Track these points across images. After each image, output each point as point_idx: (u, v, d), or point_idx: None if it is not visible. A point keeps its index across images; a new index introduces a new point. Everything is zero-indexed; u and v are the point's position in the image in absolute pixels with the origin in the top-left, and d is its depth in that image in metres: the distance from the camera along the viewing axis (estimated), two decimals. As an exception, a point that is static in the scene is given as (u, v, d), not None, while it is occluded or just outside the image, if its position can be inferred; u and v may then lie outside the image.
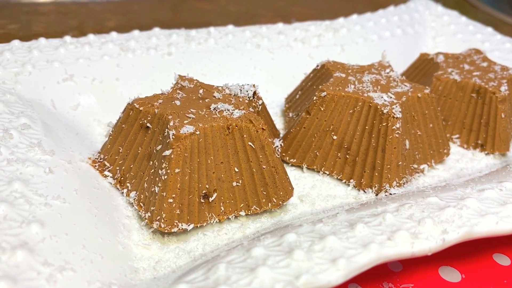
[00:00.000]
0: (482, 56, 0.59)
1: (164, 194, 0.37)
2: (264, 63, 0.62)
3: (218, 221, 0.40)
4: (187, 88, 0.44)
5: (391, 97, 0.45)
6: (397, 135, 0.44)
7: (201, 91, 0.44)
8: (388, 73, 0.50)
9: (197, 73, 0.58)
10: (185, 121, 0.38)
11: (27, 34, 0.73)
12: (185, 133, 0.37)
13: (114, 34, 0.58)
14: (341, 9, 1.01)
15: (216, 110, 0.40)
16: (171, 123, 0.38)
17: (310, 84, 0.53)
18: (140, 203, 0.39)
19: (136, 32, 0.60)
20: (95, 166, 0.43)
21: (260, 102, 0.46)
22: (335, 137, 0.46)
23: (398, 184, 0.44)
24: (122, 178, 0.42)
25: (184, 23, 0.86)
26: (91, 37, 0.57)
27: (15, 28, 0.75)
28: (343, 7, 1.01)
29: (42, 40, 0.54)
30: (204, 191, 0.39)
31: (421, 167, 0.48)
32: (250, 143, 0.39)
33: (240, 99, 0.43)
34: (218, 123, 0.39)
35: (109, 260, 0.33)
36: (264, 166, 0.40)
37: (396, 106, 0.44)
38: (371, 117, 0.45)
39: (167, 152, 0.37)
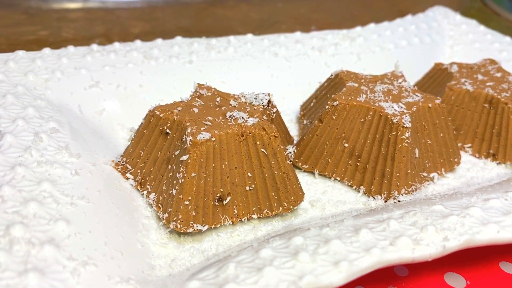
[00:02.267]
0: (496, 66, 0.60)
1: (181, 196, 0.39)
2: (281, 71, 0.64)
3: (231, 223, 0.42)
4: (205, 96, 0.46)
5: (401, 107, 0.47)
6: (406, 144, 0.45)
7: (218, 99, 0.46)
8: (400, 83, 0.51)
9: (216, 81, 0.60)
10: (202, 128, 0.41)
11: (57, 40, 0.77)
12: (201, 140, 0.39)
13: (138, 42, 0.61)
14: (361, 17, 1.02)
15: (232, 118, 0.42)
16: (189, 130, 0.40)
17: (324, 92, 0.54)
18: (159, 204, 0.42)
19: (159, 41, 0.63)
20: (118, 168, 0.45)
21: (275, 110, 0.48)
22: (346, 145, 0.48)
23: (406, 192, 0.46)
24: (142, 181, 0.44)
25: (206, 30, 0.89)
26: (116, 45, 0.60)
27: (46, 34, 0.79)
28: (363, 15, 1.02)
29: (71, 48, 0.57)
30: (218, 195, 0.41)
31: (431, 175, 0.49)
32: (263, 150, 0.41)
33: (255, 107, 0.45)
34: (233, 130, 0.41)
35: (128, 257, 0.35)
36: (276, 172, 0.42)
37: (406, 116, 0.45)
38: (381, 126, 0.46)
39: (184, 157, 0.39)
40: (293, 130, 0.57)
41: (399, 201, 0.45)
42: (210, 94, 0.47)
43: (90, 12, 0.91)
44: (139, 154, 0.45)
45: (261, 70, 0.63)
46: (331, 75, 0.55)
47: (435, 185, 0.50)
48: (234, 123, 0.42)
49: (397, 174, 0.45)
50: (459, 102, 0.55)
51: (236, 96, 0.47)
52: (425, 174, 0.49)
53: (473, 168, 0.53)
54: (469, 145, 0.55)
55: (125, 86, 0.56)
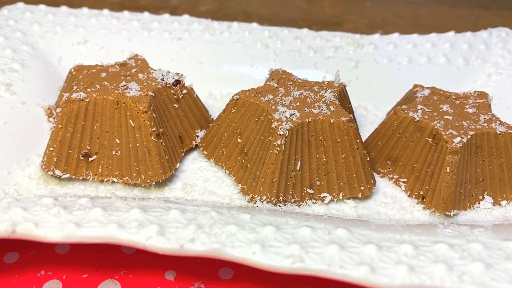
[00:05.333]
0: (481, 101, 0.50)
1: (49, 143, 0.45)
2: (263, 64, 0.64)
3: (94, 180, 0.46)
4: (127, 66, 0.51)
5: (294, 115, 0.44)
6: (276, 152, 0.43)
7: (134, 70, 0.50)
8: (324, 93, 0.48)
9: (194, 60, 0.64)
10: (89, 89, 0.46)
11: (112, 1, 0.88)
12: (74, 98, 0.44)
13: (146, 14, 0.68)
14: (442, 25, 0.92)
15: (122, 87, 0.46)
16: (75, 88, 0.46)
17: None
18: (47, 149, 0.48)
19: (166, 15, 0.68)
20: (47, 112, 0.53)
21: (185, 91, 0.50)
22: (239, 141, 0.48)
23: (268, 200, 0.44)
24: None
25: (279, 19, 0.91)
26: (125, 13, 0.67)
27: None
28: (440, 25, 0.92)
29: (84, 10, 0.66)
30: (85, 151, 0.46)
31: (322, 195, 0.46)
32: (130, 121, 0.45)
33: (153, 83, 0.48)
34: (111, 96, 0.45)
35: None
36: (138, 145, 0.45)
37: (286, 124, 0.43)
38: (267, 129, 0.45)
39: (58, 110, 0.45)
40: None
41: (257, 206, 0.44)
42: (134, 64, 0.51)
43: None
44: (59, 101, 0.52)
45: (243, 59, 0.64)
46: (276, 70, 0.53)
47: (322, 206, 0.46)
48: (119, 91, 0.46)
49: (263, 179, 0.44)
50: (403, 129, 0.49)
51: (150, 70, 0.50)
52: (310, 190, 0.45)
53: (391, 205, 0.47)
54: (405, 180, 0.49)
55: (109, 49, 0.63)
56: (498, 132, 0.46)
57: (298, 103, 0.46)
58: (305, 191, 0.45)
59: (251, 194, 0.45)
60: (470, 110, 0.49)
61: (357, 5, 1.06)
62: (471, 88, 0.64)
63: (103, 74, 0.49)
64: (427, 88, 0.52)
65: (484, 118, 0.47)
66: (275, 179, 0.44)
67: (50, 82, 0.57)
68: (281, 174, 0.44)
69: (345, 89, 0.51)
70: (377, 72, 0.63)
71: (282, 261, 0.32)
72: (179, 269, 0.41)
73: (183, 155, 0.50)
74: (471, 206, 0.47)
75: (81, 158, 0.46)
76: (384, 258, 0.33)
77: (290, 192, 0.45)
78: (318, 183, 0.46)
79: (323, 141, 0.45)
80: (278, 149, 0.43)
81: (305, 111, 0.45)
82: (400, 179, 0.49)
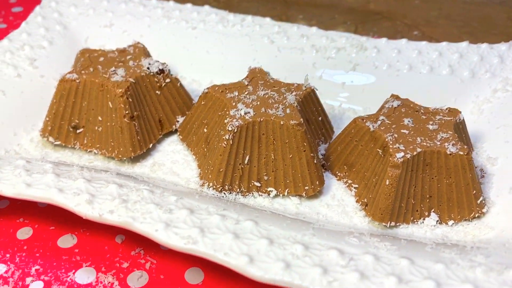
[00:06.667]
0: (448, 119, 0.50)
1: (46, 113, 0.54)
2: (265, 58, 0.67)
3: (81, 149, 0.54)
4: (126, 52, 0.58)
5: (248, 113, 0.48)
6: (224, 145, 0.48)
7: (128, 57, 0.57)
8: (289, 95, 0.51)
9: (202, 50, 0.69)
10: (82, 71, 0.53)
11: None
12: (67, 78, 0.52)
13: (171, 3, 0.74)
14: (489, 30, 0.89)
15: (111, 72, 0.53)
16: (71, 69, 0.54)
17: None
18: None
19: (189, 5, 0.74)
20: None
21: (168, 80, 0.56)
22: (205, 130, 0.53)
23: (214, 187, 0.49)
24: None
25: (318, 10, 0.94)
26: (153, 1, 0.74)
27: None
28: (495, 28, 0.88)
29: (116, -5, 0.74)
30: (73, 124, 0.54)
31: (268, 189, 0.50)
32: (109, 103, 0.51)
33: (138, 71, 0.54)
34: (98, 80, 0.52)
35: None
36: (114, 124, 0.52)
37: (237, 121, 0.47)
38: (223, 123, 0.49)
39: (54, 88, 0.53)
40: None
41: (202, 191, 0.49)
42: (131, 52, 0.58)
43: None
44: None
45: (247, 52, 0.68)
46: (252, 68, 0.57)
47: (267, 199, 0.50)
48: (106, 76, 0.53)
49: (211, 168, 0.49)
50: (359, 138, 0.50)
51: (142, 59, 0.56)
52: (258, 184, 0.49)
53: (334, 207, 0.50)
54: (356, 185, 0.51)
55: (130, 33, 0.70)
56: (449, 153, 0.46)
57: (258, 103, 0.50)
58: (253, 184, 0.49)
59: (202, 180, 0.50)
60: (431, 127, 0.49)
61: (406, 2, 1.03)
62: (473, 102, 0.63)
63: (101, 59, 0.56)
64: (398, 99, 0.53)
65: (442, 137, 0.48)
66: (221, 169, 0.48)
67: (72, 59, 0.65)
68: (228, 165, 0.48)
69: (314, 93, 0.54)
70: (374, 77, 0.64)
71: (177, 241, 0.37)
72: (128, 234, 0.47)
73: (160, 136, 0.56)
74: (415, 221, 0.48)
75: (71, 129, 0.54)
76: (270, 253, 0.37)
77: (237, 183, 0.49)
78: (265, 177, 0.49)
79: (273, 140, 0.48)
80: (226, 143, 0.47)
81: (261, 111, 0.49)
82: (352, 184, 0.51)
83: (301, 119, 0.48)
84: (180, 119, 0.57)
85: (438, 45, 0.66)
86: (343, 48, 0.66)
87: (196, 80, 0.67)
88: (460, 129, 0.51)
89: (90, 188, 0.42)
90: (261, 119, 0.48)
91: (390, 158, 0.46)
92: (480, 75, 0.63)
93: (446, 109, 0.52)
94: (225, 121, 0.48)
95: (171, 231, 0.38)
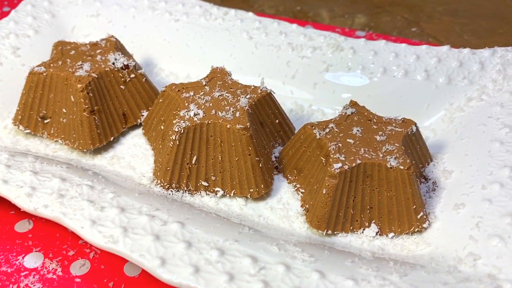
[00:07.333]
0: (399, 130, 0.50)
1: (18, 104, 0.57)
2: (242, 54, 0.68)
3: (48, 138, 0.57)
4: (97, 45, 0.60)
5: (197, 114, 0.50)
6: (171, 145, 0.49)
7: (98, 51, 0.59)
8: (243, 98, 0.52)
9: (182, 44, 0.70)
10: (51, 64, 0.56)
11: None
12: (35, 71, 0.55)
13: (164, -5, 0.75)
14: (496, 29, 0.85)
15: (77, 66, 0.56)
16: (40, 62, 0.56)
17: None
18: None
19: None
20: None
21: (132, 75, 0.57)
22: (162, 127, 0.54)
23: (162, 185, 0.51)
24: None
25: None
26: (142, -9, 0.75)
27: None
28: (502, 25, 0.85)
29: (108, -15, 0.76)
30: (41, 114, 0.56)
31: (216, 189, 0.51)
32: (71, 96, 0.54)
33: (103, 66, 0.56)
34: (63, 73, 0.54)
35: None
36: (75, 117, 0.54)
37: (184, 122, 0.49)
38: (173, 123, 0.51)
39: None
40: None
41: (150, 187, 0.51)
42: (103, 45, 0.60)
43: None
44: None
45: (224, 47, 0.68)
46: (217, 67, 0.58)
47: (213, 199, 0.51)
48: (70, 70, 0.55)
49: (159, 165, 0.51)
50: (307, 144, 0.51)
51: (112, 54, 0.58)
52: (205, 183, 0.51)
53: (277, 211, 0.51)
54: (303, 190, 0.52)
55: (115, 23, 0.72)
56: (389, 166, 0.46)
57: (211, 104, 0.51)
58: (200, 183, 0.51)
59: (153, 177, 0.52)
60: (379, 138, 0.49)
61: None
62: (445, 110, 0.61)
63: (72, 52, 0.58)
64: (354, 106, 0.53)
65: (387, 149, 0.48)
66: (168, 168, 0.50)
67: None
68: (175, 164, 0.50)
69: (270, 96, 0.54)
70: (345, 79, 0.64)
71: (99, 239, 0.40)
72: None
73: (125, 129, 0.58)
74: (355, 230, 0.49)
75: (39, 119, 0.57)
76: (184, 257, 0.39)
77: (185, 182, 0.51)
78: (213, 178, 0.51)
79: (220, 143, 0.50)
80: (172, 143, 0.49)
81: (211, 113, 0.50)
82: (300, 189, 0.52)
83: (248, 124, 0.49)
84: (145, 114, 0.59)
85: (417, 48, 0.65)
86: (319, 48, 0.66)
87: (173, 73, 0.69)
88: (412, 141, 0.51)
89: (35, 181, 0.45)
90: (209, 122, 0.49)
91: (328, 168, 0.46)
92: (457, 82, 0.62)
93: (401, 119, 0.51)
94: (174, 121, 0.49)
95: (95, 229, 0.40)
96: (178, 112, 0.51)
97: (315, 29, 0.69)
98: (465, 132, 0.56)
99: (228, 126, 0.49)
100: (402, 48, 0.65)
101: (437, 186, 0.52)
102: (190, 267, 0.38)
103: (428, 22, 0.90)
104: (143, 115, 0.59)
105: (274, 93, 0.54)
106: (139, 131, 0.60)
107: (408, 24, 0.89)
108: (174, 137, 0.49)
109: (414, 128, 0.50)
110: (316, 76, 0.65)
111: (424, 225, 0.47)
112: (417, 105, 0.62)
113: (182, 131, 0.48)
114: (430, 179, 0.52)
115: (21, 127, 0.57)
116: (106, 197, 0.44)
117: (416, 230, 0.48)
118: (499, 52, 0.63)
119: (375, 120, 0.51)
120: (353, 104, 0.53)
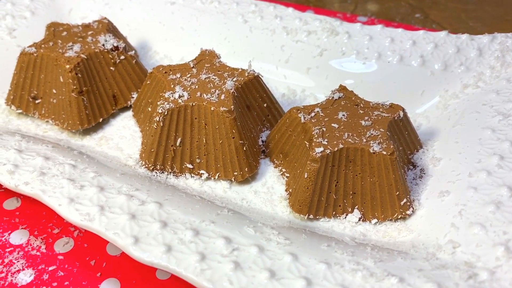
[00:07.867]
0: (385, 116, 0.49)
1: (10, 84, 0.57)
2: (237, 38, 0.67)
3: (40, 118, 0.58)
4: (90, 27, 0.60)
5: (181, 95, 0.50)
6: (154, 126, 0.49)
7: (90, 32, 0.59)
8: (229, 80, 0.51)
9: (177, 26, 0.70)
10: (43, 45, 0.56)
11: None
12: (26, 51, 0.55)
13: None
14: (504, 16, 0.83)
15: (68, 48, 0.56)
16: (32, 43, 0.57)
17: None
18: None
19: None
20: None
21: (122, 57, 0.57)
22: (149, 109, 0.54)
23: (146, 166, 0.51)
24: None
25: None
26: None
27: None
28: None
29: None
30: (33, 94, 0.57)
31: (200, 171, 0.51)
32: (60, 77, 0.54)
33: (93, 47, 0.56)
34: (53, 54, 0.55)
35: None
36: (64, 97, 0.54)
37: (168, 104, 0.49)
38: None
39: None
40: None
41: (135, 169, 0.51)
42: (95, 27, 0.60)
43: None
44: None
45: (219, 31, 0.68)
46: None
47: (198, 181, 0.51)
48: (60, 51, 0.55)
49: (145, 147, 0.51)
50: (293, 128, 0.50)
51: (103, 35, 0.58)
52: (190, 166, 0.51)
53: (261, 194, 0.50)
54: (288, 175, 0.51)
55: (111, 6, 0.72)
56: (372, 151, 0.45)
57: (197, 86, 0.51)
58: (185, 165, 0.51)
59: (138, 158, 0.52)
60: (364, 123, 0.48)
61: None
62: (440, 97, 0.60)
63: (64, 33, 0.58)
64: (342, 91, 0.52)
65: (371, 134, 0.47)
66: (153, 150, 0.50)
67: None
68: (160, 146, 0.50)
69: (258, 79, 0.53)
70: (339, 64, 0.63)
71: (76, 217, 0.40)
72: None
73: (115, 111, 0.59)
74: (338, 215, 0.48)
75: (30, 99, 0.57)
76: (158, 237, 0.39)
77: (169, 164, 0.51)
78: (198, 160, 0.51)
79: (204, 125, 0.49)
80: (156, 125, 0.49)
81: (197, 95, 0.50)
82: (285, 173, 0.52)
83: (232, 107, 0.49)
84: (136, 96, 0.59)
85: (414, 33, 0.63)
86: (314, 32, 0.65)
87: (168, 56, 0.69)
88: (399, 127, 0.50)
89: (18, 159, 0.45)
90: (194, 104, 0.49)
91: (310, 152, 0.46)
92: (453, 68, 0.60)
93: (388, 105, 0.50)
94: (158, 103, 0.49)
95: (73, 207, 0.41)
96: (163, 94, 0.50)
97: (312, 13, 0.67)
98: (458, 120, 0.55)
99: (212, 109, 0.48)
100: (398, 33, 0.63)
101: (424, 173, 0.51)
102: (163, 246, 0.38)
103: (433, 8, 0.88)
104: (133, 97, 0.59)
105: (262, 76, 0.54)
106: (129, 113, 0.60)
107: (412, 10, 0.87)
108: (158, 119, 0.49)
109: (401, 114, 0.49)
110: (310, 61, 0.64)
111: (408, 212, 0.47)
112: (412, 91, 0.61)
113: (166, 113, 0.48)
114: (418, 166, 0.52)
115: (13, 107, 0.58)
116: (87, 176, 0.44)
117: (399, 217, 0.47)
118: (499, 38, 0.61)
119: (362, 105, 0.50)
120: (341, 88, 0.53)
